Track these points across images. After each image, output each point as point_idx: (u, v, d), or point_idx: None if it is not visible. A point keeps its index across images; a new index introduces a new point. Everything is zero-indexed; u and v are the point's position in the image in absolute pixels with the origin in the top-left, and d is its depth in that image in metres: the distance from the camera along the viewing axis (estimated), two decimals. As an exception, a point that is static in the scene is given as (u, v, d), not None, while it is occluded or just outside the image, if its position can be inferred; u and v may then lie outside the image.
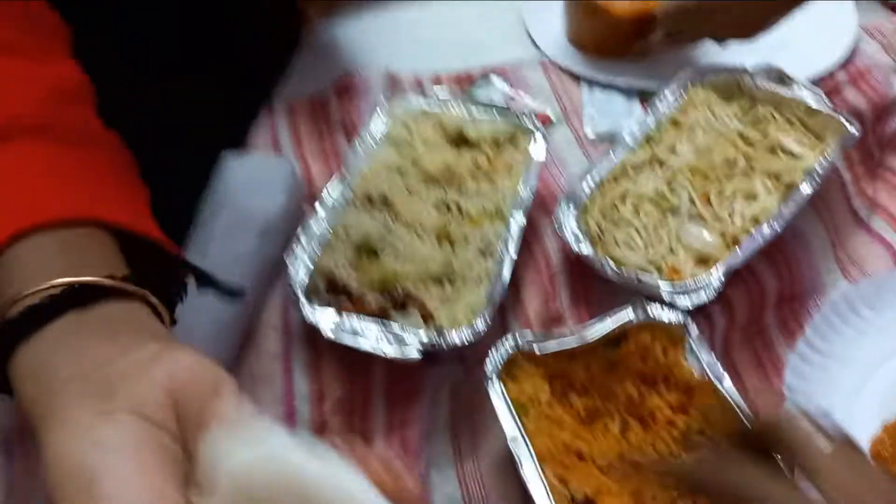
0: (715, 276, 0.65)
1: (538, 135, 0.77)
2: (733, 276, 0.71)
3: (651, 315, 0.62)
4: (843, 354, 0.66)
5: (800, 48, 0.91)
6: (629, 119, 0.87)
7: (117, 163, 0.52)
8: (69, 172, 0.47)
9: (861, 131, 0.83)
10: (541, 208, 0.77)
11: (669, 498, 0.56)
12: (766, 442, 0.46)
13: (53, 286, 0.41)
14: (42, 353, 0.40)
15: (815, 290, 0.72)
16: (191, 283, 0.54)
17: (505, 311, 0.70)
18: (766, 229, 0.68)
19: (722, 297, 0.71)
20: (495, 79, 0.92)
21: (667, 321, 0.62)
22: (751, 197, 0.72)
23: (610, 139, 0.85)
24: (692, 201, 0.72)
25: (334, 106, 0.89)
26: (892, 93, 0.87)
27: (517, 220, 0.69)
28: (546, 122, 0.87)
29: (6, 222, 0.42)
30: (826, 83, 0.89)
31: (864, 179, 0.80)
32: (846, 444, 0.44)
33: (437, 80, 0.93)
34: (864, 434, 0.62)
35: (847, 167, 0.81)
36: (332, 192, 0.73)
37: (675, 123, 0.79)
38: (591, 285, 0.71)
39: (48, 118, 0.48)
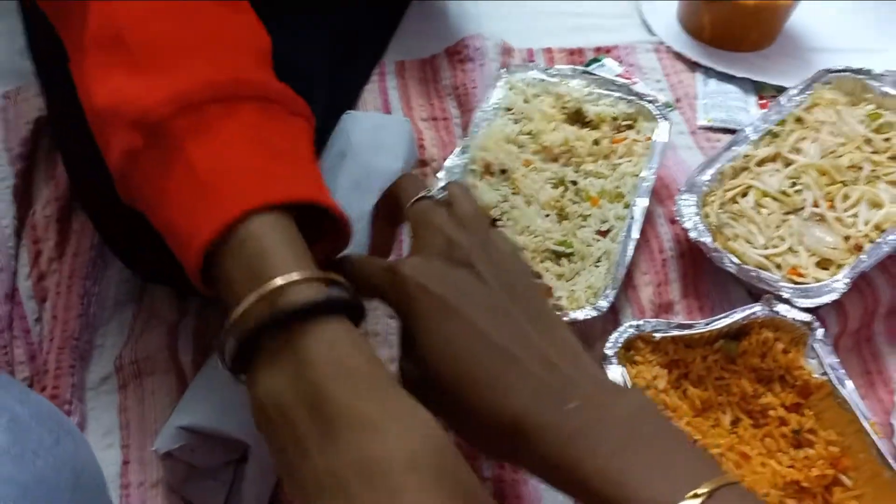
0: (840, 281, 0.64)
1: (663, 120, 0.76)
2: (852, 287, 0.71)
3: (778, 313, 0.62)
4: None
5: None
6: (745, 112, 0.86)
7: (309, 132, 0.51)
8: (285, 148, 0.46)
9: None
10: (654, 195, 0.76)
11: (777, 494, 0.57)
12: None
13: (311, 278, 0.41)
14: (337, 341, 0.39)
15: (931, 305, 0.71)
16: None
17: (617, 294, 0.70)
18: (891, 238, 0.67)
19: (837, 302, 0.70)
20: (607, 59, 0.91)
21: (793, 320, 0.62)
22: (876, 204, 0.71)
23: (723, 130, 0.84)
24: (816, 203, 0.71)
25: (446, 70, 0.89)
26: None
27: (639, 205, 0.69)
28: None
29: (239, 198, 0.42)
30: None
31: None
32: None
33: (550, 55, 0.93)
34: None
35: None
36: (452, 159, 0.73)
37: (799, 121, 0.77)
38: (702, 276, 0.71)
39: (265, 86, 0.47)
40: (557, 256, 0.68)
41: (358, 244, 0.66)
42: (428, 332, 0.43)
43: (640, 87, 0.87)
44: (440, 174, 0.71)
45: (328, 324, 0.39)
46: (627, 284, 0.70)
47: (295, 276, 0.40)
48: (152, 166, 0.44)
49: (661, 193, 0.76)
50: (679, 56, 0.93)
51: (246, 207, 0.41)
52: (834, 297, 0.64)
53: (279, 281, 0.40)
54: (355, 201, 0.68)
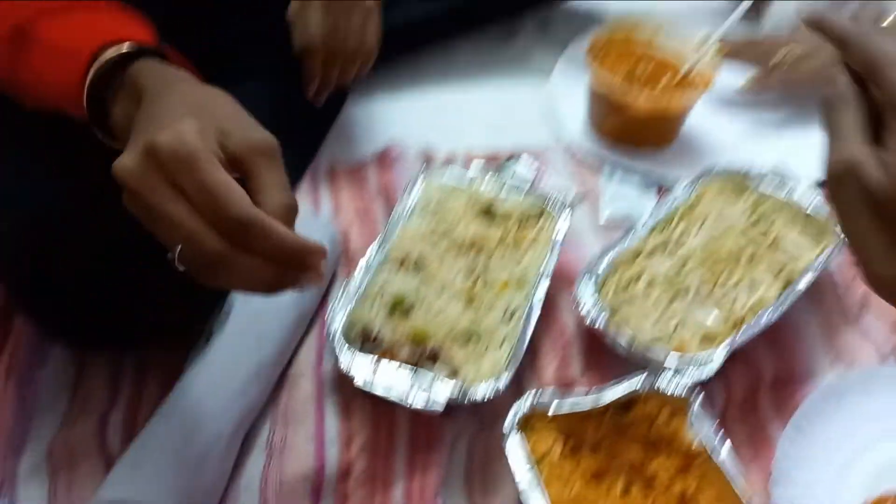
0: (718, 353, 0.71)
1: (565, 214, 0.84)
2: (733, 358, 0.78)
3: (659, 386, 0.68)
4: (830, 438, 0.72)
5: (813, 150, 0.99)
6: (644, 206, 0.94)
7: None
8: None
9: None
10: (558, 280, 0.83)
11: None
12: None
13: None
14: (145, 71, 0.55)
15: (808, 377, 0.77)
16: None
17: (522, 373, 0.76)
18: (765, 317, 0.74)
19: (721, 375, 0.77)
20: (524, 158, 1.00)
21: (673, 392, 0.68)
22: (754, 286, 0.79)
23: (624, 223, 0.92)
24: (700, 285, 0.78)
25: (373, 175, 0.96)
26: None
27: (540, 289, 0.76)
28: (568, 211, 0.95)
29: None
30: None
31: (857, 280, 0.87)
32: None
33: (469, 158, 1.01)
34: (849, 512, 0.67)
35: (840, 269, 0.88)
36: (370, 254, 0.79)
37: (685, 214, 0.86)
38: (602, 355, 0.77)
39: None
40: (466, 339, 0.74)
41: (278, 335, 0.72)
42: None
43: (548, 186, 0.96)
44: (358, 267, 0.78)
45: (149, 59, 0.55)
46: (533, 364, 0.77)
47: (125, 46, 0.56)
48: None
49: (567, 280, 0.83)
50: (586, 155, 1.02)
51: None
52: (714, 368, 0.70)
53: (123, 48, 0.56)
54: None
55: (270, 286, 0.48)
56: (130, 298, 0.69)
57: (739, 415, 0.75)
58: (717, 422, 0.74)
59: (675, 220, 0.85)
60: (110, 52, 0.56)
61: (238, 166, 0.48)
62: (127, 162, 0.48)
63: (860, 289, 0.86)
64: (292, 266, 0.47)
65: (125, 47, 0.56)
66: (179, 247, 0.47)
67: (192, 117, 0.48)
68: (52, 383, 0.75)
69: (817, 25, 0.46)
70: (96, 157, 0.65)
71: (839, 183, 0.41)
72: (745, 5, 1.00)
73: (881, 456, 0.71)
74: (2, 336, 0.76)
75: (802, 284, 0.77)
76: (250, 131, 0.50)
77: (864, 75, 0.43)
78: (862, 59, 0.43)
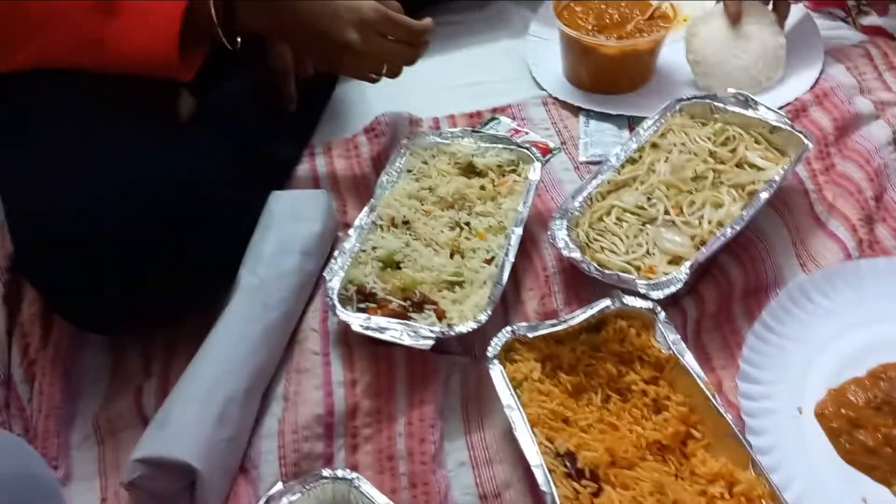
0: (682, 271, 0.76)
1: (535, 163, 0.90)
2: (705, 273, 0.83)
3: (626, 304, 0.74)
4: (796, 335, 0.77)
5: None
6: (620, 145, 0.99)
7: None
8: None
9: (822, 144, 0.95)
10: (540, 223, 0.89)
11: (640, 453, 0.68)
12: None
13: None
14: None
15: (778, 283, 0.82)
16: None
17: (508, 309, 0.83)
18: (728, 231, 0.79)
19: (694, 291, 0.82)
20: (502, 117, 1.06)
21: (639, 308, 0.74)
22: (718, 205, 0.84)
23: (601, 162, 0.97)
24: (667, 211, 0.84)
25: (364, 146, 1.03)
26: (854, 110, 0.98)
27: (515, 233, 0.82)
28: (546, 151, 1.00)
29: None
30: (794, 104, 1.00)
31: (825, 188, 0.91)
32: None
33: (453, 121, 1.07)
34: (812, 401, 0.72)
35: (811, 177, 0.92)
36: (361, 217, 0.87)
37: (654, 146, 0.91)
38: (581, 286, 0.83)
39: None
40: (452, 285, 0.80)
41: (283, 300, 0.80)
42: None
43: (529, 137, 1.02)
44: (350, 231, 0.85)
45: None
46: (515, 300, 0.83)
47: None
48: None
49: (546, 222, 0.89)
50: (564, 104, 1.07)
51: None
52: (678, 286, 0.76)
53: None
54: (277, 263, 0.82)
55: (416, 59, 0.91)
56: (148, 288, 0.77)
57: (713, 325, 0.80)
58: (694, 332, 0.80)
59: (645, 152, 0.90)
60: None
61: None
62: (353, 38, 0.83)
63: (829, 193, 0.90)
64: (425, 44, 0.91)
65: None
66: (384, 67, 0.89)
67: None
68: (92, 366, 0.84)
69: None
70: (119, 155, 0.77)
71: None
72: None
73: (844, 348, 0.76)
74: (45, 330, 0.86)
75: (764, 195, 0.82)
76: None
77: None
78: None
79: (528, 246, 0.88)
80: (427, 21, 0.89)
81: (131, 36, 0.81)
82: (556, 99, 1.08)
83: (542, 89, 1.10)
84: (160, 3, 0.81)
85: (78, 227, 0.73)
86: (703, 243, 0.80)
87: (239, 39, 0.85)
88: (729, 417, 0.67)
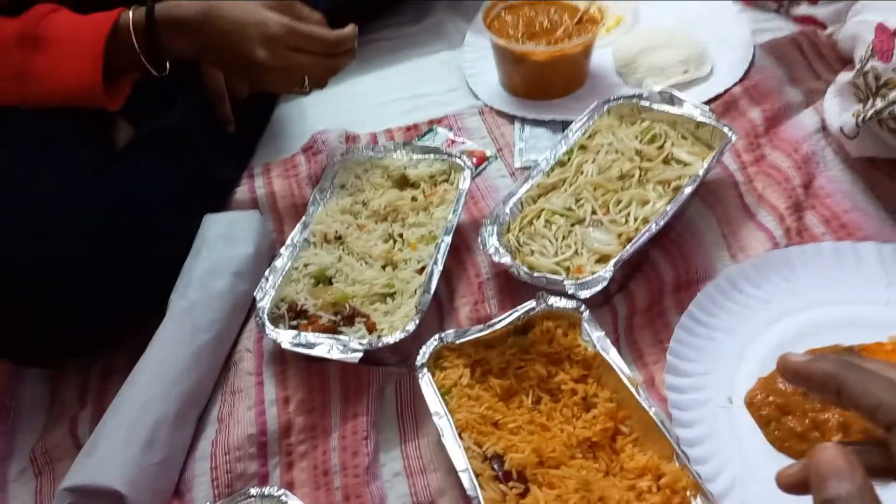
0: (608, 269, 0.77)
1: (466, 171, 0.90)
2: (636, 270, 0.84)
3: (550, 305, 0.74)
4: (726, 326, 0.77)
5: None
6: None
7: None
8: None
9: (752, 136, 0.96)
10: (474, 231, 0.89)
11: (570, 452, 0.68)
12: None
13: None
14: None
15: (709, 276, 0.82)
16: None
17: (443, 317, 0.83)
18: (653, 226, 0.80)
19: (625, 288, 0.83)
20: (439, 128, 1.07)
21: (564, 308, 0.74)
22: (644, 202, 0.84)
23: (534, 167, 0.98)
24: (594, 211, 0.84)
25: (303, 165, 1.04)
26: (783, 100, 0.99)
27: (445, 241, 0.82)
28: (482, 160, 1.01)
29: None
30: (725, 98, 1.02)
31: (756, 179, 0.92)
32: None
33: (391, 134, 1.08)
34: (744, 390, 0.73)
35: (741, 169, 0.93)
36: (294, 235, 0.87)
37: (582, 148, 0.91)
38: (515, 290, 0.83)
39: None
40: (384, 297, 0.81)
41: (214, 321, 0.80)
42: None
43: (465, 146, 1.02)
44: (282, 249, 0.85)
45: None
46: (450, 307, 0.83)
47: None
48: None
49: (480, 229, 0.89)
50: (500, 113, 1.08)
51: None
52: (604, 283, 0.76)
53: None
54: (210, 284, 0.82)
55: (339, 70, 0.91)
56: (83, 315, 0.77)
57: (645, 321, 0.81)
58: (626, 329, 0.80)
59: (573, 154, 0.91)
60: (127, 15, 0.82)
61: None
62: (262, 55, 0.83)
63: (759, 184, 0.91)
64: (346, 53, 0.89)
65: (135, 8, 0.82)
66: (307, 79, 0.88)
67: (258, 8, 0.84)
68: (30, 399, 0.84)
69: (796, 375, 0.47)
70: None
71: None
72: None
73: (775, 336, 0.76)
74: (-17, 366, 0.86)
75: (688, 189, 0.82)
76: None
77: (864, 416, 0.43)
78: (863, 403, 0.43)
79: (462, 253, 0.88)
80: (345, 31, 0.88)
81: (55, 69, 0.82)
82: (491, 108, 1.09)
83: (479, 99, 1.11)
84: (82, 34, 0.82)
85: (9, 257, 0.73)
86: (630, 240, 0.81)
87: (168, 65, 0.86)
88: (654, 411, 0.67)
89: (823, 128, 0.95)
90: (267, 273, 0.83)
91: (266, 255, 0.89)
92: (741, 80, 1.04)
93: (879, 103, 0.79)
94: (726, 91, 1.03)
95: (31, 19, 0.82)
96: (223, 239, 0.87)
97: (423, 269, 0.82)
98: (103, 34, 0.81)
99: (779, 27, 1.14)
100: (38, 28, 0.81)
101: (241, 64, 0.84)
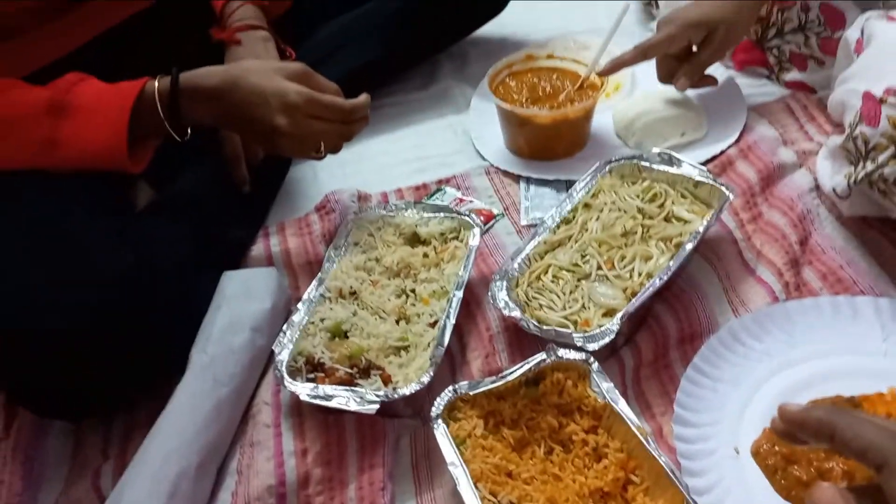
0: (615, 323, 0.80)
1: (475, 229, 0.94)
2: (641, 323, 0.87)
3: (560, 356, 0.77)
4: (730, 377, 0.80)
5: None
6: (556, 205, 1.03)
7: None
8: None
9: (749, 195, 1.00)
10: (484, 286, 0.93)
11: (582, 501, 0.70)
12: None
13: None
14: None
15: (712, 329, 0.85)
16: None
17: (455, 370, 0.86)
18: (657, 281, 0.83)
19: (632, 341, 0.86)
20: (448, 188, 1.11)
21: (573, 359, 0.77)
22: (647, 258, 0.88)
23: (541, 225, 1.02)
24: (599, 267, 0.88)
25: (316, 223, 1.07)
26: (778, 160, 1.04)
27: (456, 296, 0.86)
28: (490, 218, 1.05)
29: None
30: (721, 159, 1.06)
31: (754, 236, 0.96)
32: None
33: (400, 194, 1.12)
34: (749, 440, 0.75)
35: (739, 227, 0.97)
36: (310, 291, 0.90)
37: (586, 206, 0.95)
38: (524, 343, 0.86)
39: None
40: (398, 350, 0.83)
41: (233, 375, 0.82)
42: None
43: (473, 205, 1.06)
44: (299, 305, 0.88)
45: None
46: (462, 361, 0.86)
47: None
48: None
49: (490, 284, 0.92)
50: (506, 173, 1.12)
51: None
52: (611, 336, 0.79)
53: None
54: (227, 340, 0.84)
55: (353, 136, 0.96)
56: (103, 375, 0.80)
57: (651, 372, 0.83)
58: (633, 381, 0.83)
59: (578, 212, 0.95)
60: (152, 84, 0.87)
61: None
62: (281, 123, 0.87)
63: (757, 241, 0.94)
64: (360, 120, 0.95)
65: (161, 76, 0.88)
66: (322, 145, 0.93)
67: (278, 78, 0.89)
68: (53, 452, 0.85)
69: (792, 423, 0.51)
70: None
71: None
72: (625, 6, 1.11)
73: (777, 387, 0.79)
74: (9, 418, 0.88)
75: (689, 246, 0.86)
76: (291, 66, 0.92)
77: (856, 458, 0.47)
78: (854, 446, 0.47)
79: (472, 308, 0.91)
80: (359, 99, 0.93)
81: (82, 136, 0.86)
82: (497, 168, 1.13)
83: (485, 160, 1.15)
84: (109, 100, 0.86)
85: (32, 317, 0.76)
86: (635, 294, 0.84)
87: (189, 130, 0.90)
88: (664, 460, 0.69)
89: (817, 187, 0.99)
90: (284, 327, 0.86)
91: (283, 310, 0.92)
92: (736, 141, 1.09)
93: (869, 166, 0.83)
94: (722, 152, 1.07)
95: (61, 89, 0.87)
96: (241, 295, 0.90)
97: (435, 322, 0.85)
98: (129, 102, 0.85)
99: (770, 91, 1.19)
100: (67, 96, 0.86)
101: (260, 131, 0.88)
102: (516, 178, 1.11)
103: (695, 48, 1.06)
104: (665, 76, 1.09)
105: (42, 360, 0.77)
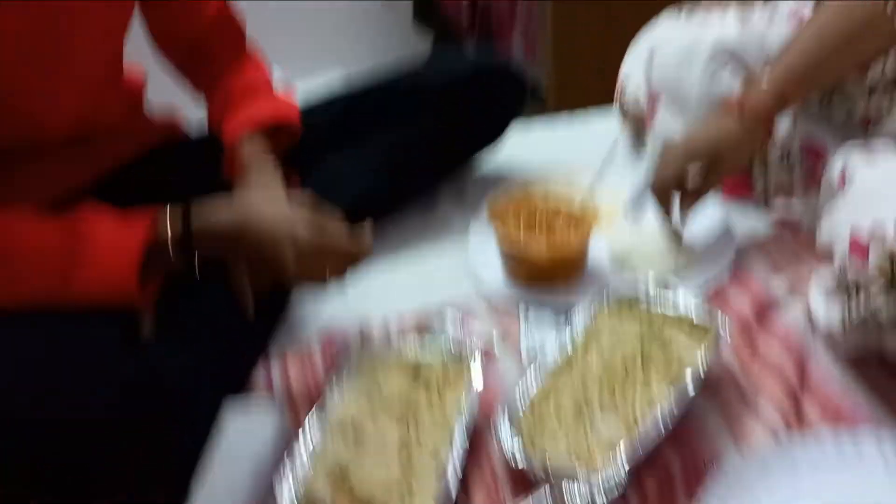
0: (619, 467, 0.80)
1: (477, 365, 0.95)
2: (644, 466, 0.86)
3: (567, 497, 0.77)
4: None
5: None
6: (556, 333, 1.04)
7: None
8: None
9: (742, 325, 1.02)
10: (486, 422, 0.93)
11: None
12: None
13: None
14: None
15: (715, 465, 0.85)
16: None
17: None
18: (661, 427, 0.84)
19: (635, 479, 0.85)
20: (449, 316, 1.12)
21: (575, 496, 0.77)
22: (648, 394, 0.89)
23: (541, 353, 1.02)
24: (601, 403, 0.89)
25: (318, 356, 1.08)
26: (769, 290, 1.06)
27: (459, 432, 0.86)
28: (490, 353, 1.06)
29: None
30: (711, 287, 1.08)
31: (749, 364, 0.97)
32: None
33: (402, 321, 1.13)
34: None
35: (735, 356, 0.98)
36: (311, 426, 0.90)
37: (586, 345, 0.97)
38: (528, 478, 0.86)
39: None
40: (401, 492, 0.83)
41: None
42: None
43: (472, 335, 1.08)
44: (298, 439, 0.88)
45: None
46: (465, 499, 0.86)
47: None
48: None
49: (491, 417, 0.93)
50: (504, 299, 1.14)
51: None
52: (618, 479, 0.79)
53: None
54: (229, 472, 0.85)
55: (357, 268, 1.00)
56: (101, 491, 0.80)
57: (658, 515, 0.83)
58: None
59: (577, 350, 0.96)
60: (165, 227, 0.90)
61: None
62: (292, 266, 0.92)
63: (753, 374, 0.96)
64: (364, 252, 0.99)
65: (173, 214, 0.91)
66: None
67: (287, 217, 0.94)
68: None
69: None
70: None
71: None
72: (616, 145, 1.16)
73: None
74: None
75: (688, 380, 0.88)
76: (298, 199, 0.99)
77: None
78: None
79: (475, 443, 0.91)
80: (364, 234, 0.97)
81: (93, 277, 0.88)
82: (496, 294, 1.15)
83: (483, 286, 1.17)
84: (119, 241, 0.89)
85: (29, 435, 0.77)
86: (636, 422, 0.86)
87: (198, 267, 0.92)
88: None
89: (811, 320, 1.01)
90: (284, 461, 0.85)
91: (282, 444, 0.92)
92: (727, 269, 1.11)
93: (862, 308, 0.85)
94: (714, 279, 1.10)
95: (73, 230, 0.88)
96: (241, 429, 0.90)
97: (438, 459, 0.85)
98: (141, 246, 0.88)
99: (758, 219, 1.23)
100: (78, 244, 0.87)
101: (270, 269, 0.91)
102: (515, 304, 1.13)
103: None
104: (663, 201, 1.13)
105: (37, 480, 0.78)
